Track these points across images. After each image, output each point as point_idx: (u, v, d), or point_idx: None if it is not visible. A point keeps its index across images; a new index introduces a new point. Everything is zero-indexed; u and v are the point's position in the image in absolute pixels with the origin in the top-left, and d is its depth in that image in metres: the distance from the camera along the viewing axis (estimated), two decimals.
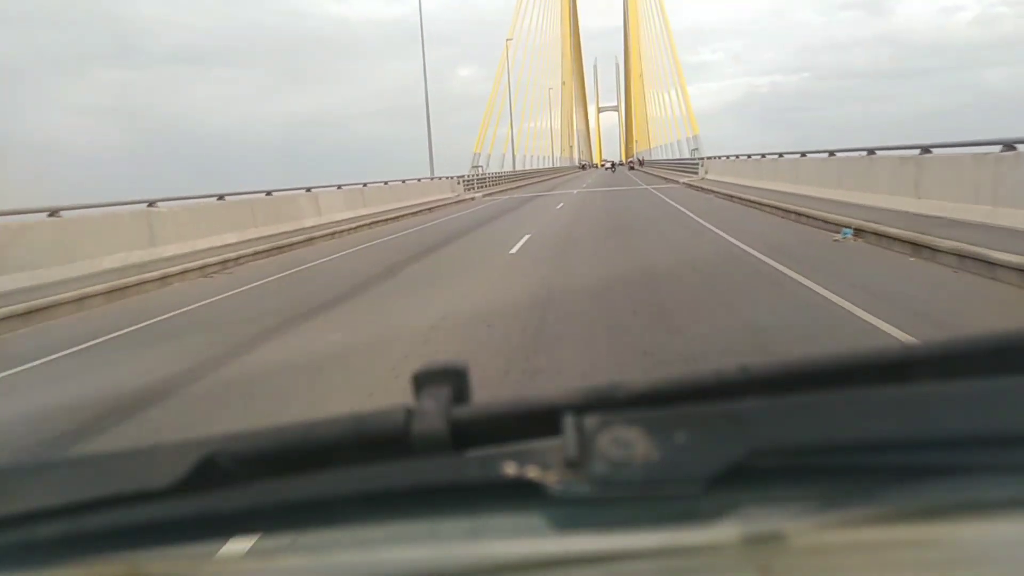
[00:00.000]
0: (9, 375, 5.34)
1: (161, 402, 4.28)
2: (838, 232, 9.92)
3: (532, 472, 0.42)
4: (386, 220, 18.49)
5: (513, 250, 10.76)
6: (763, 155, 21.04)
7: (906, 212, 10.15)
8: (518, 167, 48.79)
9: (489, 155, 46.00)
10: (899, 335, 4.61)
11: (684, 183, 27.83)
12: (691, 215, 14.87)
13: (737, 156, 25.66)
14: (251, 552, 0.46)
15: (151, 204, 11.60)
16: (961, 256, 6.97)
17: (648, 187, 29.06)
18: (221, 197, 13.85)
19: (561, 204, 22.18)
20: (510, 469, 0.42)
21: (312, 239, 14.35)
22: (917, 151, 10.64)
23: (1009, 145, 8.45)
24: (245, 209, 14.28)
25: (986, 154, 8.79)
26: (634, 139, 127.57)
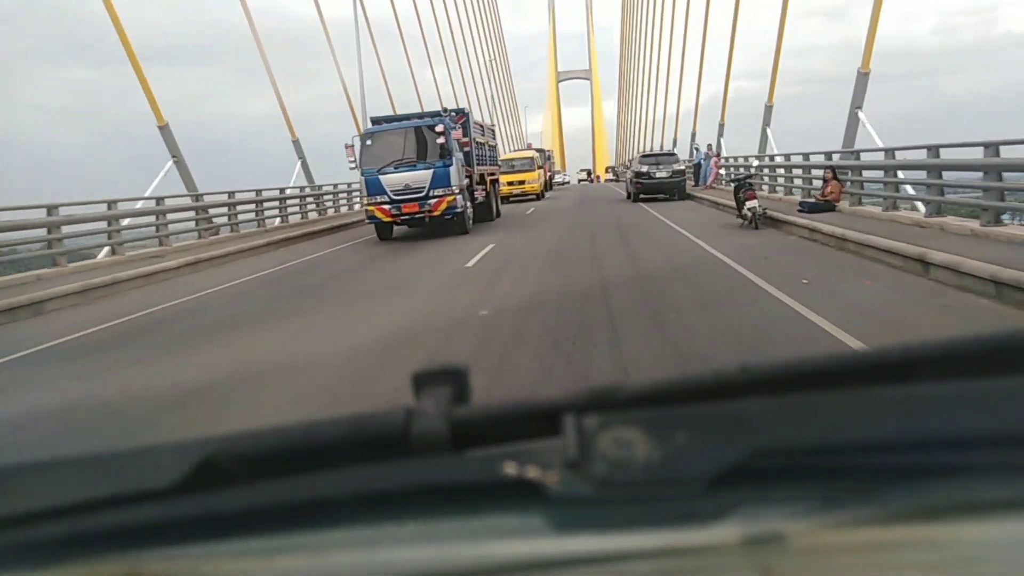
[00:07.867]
0: None
1: None
2: None
3: (532, 472, 0.42)
4: None
5: None
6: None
7: None
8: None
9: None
10: None
11: None
12: None
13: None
14: (251, 552, 0.46)
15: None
16: None
17: None
18: None
19: None
20: (510, 469, 0.42)
21: None
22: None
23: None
24: None
25: None
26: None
